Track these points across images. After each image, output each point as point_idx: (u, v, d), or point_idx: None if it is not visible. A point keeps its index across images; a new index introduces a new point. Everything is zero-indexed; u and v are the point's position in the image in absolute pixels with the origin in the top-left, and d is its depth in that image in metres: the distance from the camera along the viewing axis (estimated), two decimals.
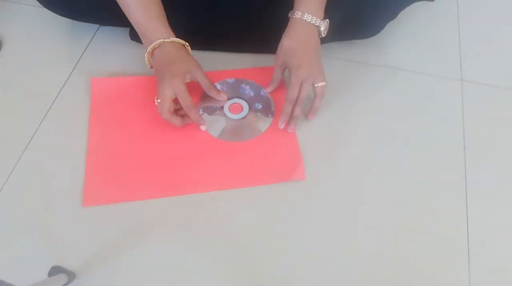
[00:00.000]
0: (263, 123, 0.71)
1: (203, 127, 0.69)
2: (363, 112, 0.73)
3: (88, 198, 0.63)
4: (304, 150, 0.68)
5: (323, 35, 0.66)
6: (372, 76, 0.78)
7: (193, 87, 0.74)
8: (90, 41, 0.82)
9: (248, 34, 0.78)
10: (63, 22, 0.82)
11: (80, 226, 0.62)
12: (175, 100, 0.65)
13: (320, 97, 0.69)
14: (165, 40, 0.65)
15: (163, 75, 0.64)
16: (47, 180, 0.65)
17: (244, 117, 0.71)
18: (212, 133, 0.70)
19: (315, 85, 0.67)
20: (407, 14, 0.81)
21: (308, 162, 0.67)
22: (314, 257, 0.60)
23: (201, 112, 0.72)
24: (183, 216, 0.63)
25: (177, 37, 0.66)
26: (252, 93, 0.74)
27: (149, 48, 0.65)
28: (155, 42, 0.65)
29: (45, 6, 0.76)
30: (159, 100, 0.65)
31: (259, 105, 0.73)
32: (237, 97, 0.73)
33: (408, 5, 0.77)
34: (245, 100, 0.73)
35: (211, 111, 0.72)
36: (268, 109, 0.72)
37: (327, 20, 0.66)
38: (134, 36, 0.79)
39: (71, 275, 0.56)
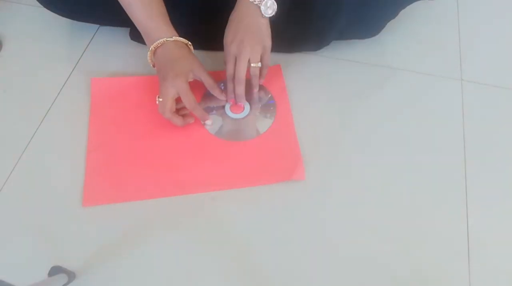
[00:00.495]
0: (264, 123, 0.71)
1: (208, 122, 0.69)
2: (363, 112, 0.73)
3: (88, 198, 0.63)
4: (304, 150, 0.68)
5: (266, 15, 0.64)
6: (372, 76, 0.78)
7: (194, 87, 0.74)
8: (90, 41, 0.82)
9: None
10: (63, 22, 0.82)
11: (80, 226, 0.62)
12: (177, 100, 0.65)
13: (254, 78, 0.68)
14: (168, 39, 0.65)
15: (166, 74, 0.64)
16: (47, 180, 0.65)
17: (245, 117, 0.71)
18: (213, 133, 0.70)
19: (251, 64, 0.66)
20: (407, 14, 0.81)
21: (308, 162, 0.67)
22: (314, 257, 0.60)
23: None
24: (183, 216, 0.63)
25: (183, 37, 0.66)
26: (253, 93, 0.74)
27: (152, 47, 0.65)
28: (158, 41, 0.65)
29: (45, 6, 0.76)
30: (160, 99, 0.65)
31: (260, 105, 0.73)
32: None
33: (408, 4, 0.77)
34: (247, 100, 0.73)
35: (212, 111, 0.72)
36: (268, 110, 0.72)
37: (273, 1, 0.63)
38: (134, 36, 0.79)
39: (71, 275, 0.56)
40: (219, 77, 0.75)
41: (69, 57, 0.79)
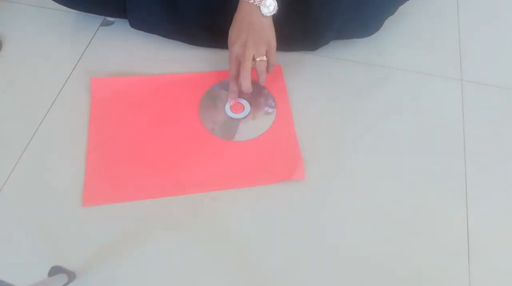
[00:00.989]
0: (264, 124, 0.71)
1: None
2: (363, 112, 0.73)
3: (88, 198, 0.63)
4: (304, 150, 0.68)
5: (267, 15, 0.65)
6: (372, 76, 0.78)
7: (195, 85, 0.75)
8: (90, 41, 0.82)
9: None
10: (64, 22, 0.82)
11: (80, 226, 0.62)
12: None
13: (261, 73, 0.68)
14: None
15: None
16: (47, 180, 0.65)
17: (245, 117, 0.71)
18: (213, 133, 0.70)
19: (256, 59, 0.66)
20: (407, 14, 0.81)
21: (308, 162, 0.67)
22: (314, 257, 0.60)
23: (202, 111, 0.72)
24: (183, 216, 0.63)
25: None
26: (253, 93, 0.73)
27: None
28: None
29: None
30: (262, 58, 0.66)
31: (260, 105, 0.73)
32: (238, 97, 0.73)
33: (406, 0, 0.76)
34: (247, 100, 0.73)
35: (212, 110, 0.72)
36: (269, 109, 0.72)
37: (273, 0, 0.64)
38: (134, 23, 0.78)
39: (71, 275, 0.56)
40: (220, 77, 0.75)
41: (69, 57, 0.79)
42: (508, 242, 0.61)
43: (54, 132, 0.70)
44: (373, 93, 0.76)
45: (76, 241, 0.60)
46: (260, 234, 0.61)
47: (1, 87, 0.76)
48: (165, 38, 0.80)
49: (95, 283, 0.58)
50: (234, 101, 0.72)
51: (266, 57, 0.67)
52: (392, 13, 0.77)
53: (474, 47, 0.83)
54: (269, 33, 0.66)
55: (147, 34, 0.80)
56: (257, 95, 0.74)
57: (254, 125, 0.71)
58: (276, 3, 0.64)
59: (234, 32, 0.66)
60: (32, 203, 0.64)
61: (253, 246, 0.60)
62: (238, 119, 0.71)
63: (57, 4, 0.79)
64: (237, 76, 0.68)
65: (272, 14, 0.65)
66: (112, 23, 0.84)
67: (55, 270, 0.55)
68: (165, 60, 0.79)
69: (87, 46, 0.81)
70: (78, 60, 0.79)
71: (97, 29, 0.83)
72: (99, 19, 0.84)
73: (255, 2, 0.64)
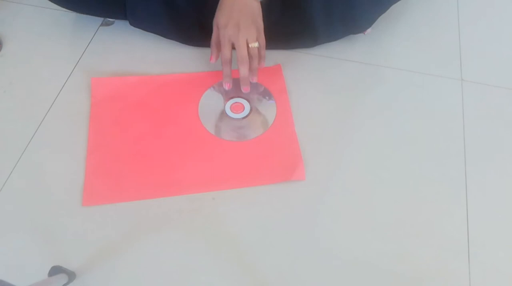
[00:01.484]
0: (264, 124, 0.71)
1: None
2: (363, 112, 0.73)
3: (88, 198, 0.63)
4: (304, 150, 0.68)
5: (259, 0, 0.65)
6: (372, 76, 0.78)
7: (195, 85, 0.75)
8: (90, 41, 0.82)
9: None
10: (64, 22, 0.82)
11: (81, 226, 0.62)
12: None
13: (254, 59, 0.68)
14: None
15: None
16: (47, 180, 0.65)
17: (245, 117, 0.71)
18: (213, 133, 0.70)
19: (249, 45, 0.66)
20: (407, 14, 0.82)
21: (308, 162, 0.67)
22: (314, 257, 0.60)
23: (202, 111, 0.72)
24: (183, 216, 0.63)
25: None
26: (253, 93, 0.74)
27: None
28: None
29: None
30: (256, 44, 0.65)
31: (260, 105, 0.73)
32: (238, 97, 0.73)
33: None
34: (247, 100, 0.73)
35: (212, 110, 0.72)
36: (268, 110, 0.72)
37: None
38: (134, 22, 0.78)
39: (71, 275, 0.56)
40: (218, 77, 0.75)
41: (70, 57, 0.80)
42: (508, 242, 0.61)
43: (54, 132, 0.70)
44: (373, 93, 0.76)
45: (76, 241, 0.60)
46: (260, 234, 0.61)
47: (1, 87, 0.76)
48: (165, 39, 0.80)
49: (95, 283, 0.58)
50: (229, 85, 0.71)
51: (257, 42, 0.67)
52: (384, 11, 0.76)
53: (474, 47, 0.83)
54: (258, 16, 0.66)
55: (147, 34, 0.80)
56: (257, 95, 0.74)
57: (254, 126, 0.71)
58: None
59: (224, 15, 0.65)
60: (32, 203, 0.64)
61: (253, 245, 0.60)
62: (238, 119, 0.71)
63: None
64: (229, 60, 0.67)
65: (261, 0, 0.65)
66: (112, 23, 0.84)
67: (55, 270, 0.55)
68: (165, 60, 0.79)
69: (87, 46, 0.81)
70: (78, 60, 0.79)
71: (97, 29, 0.83)
72: (99, 19, 0.84)
73: None
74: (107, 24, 0.84)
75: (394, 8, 0.79)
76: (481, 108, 0.74)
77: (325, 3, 0.72)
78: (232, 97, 0.73)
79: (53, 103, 0.74)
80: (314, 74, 0.78)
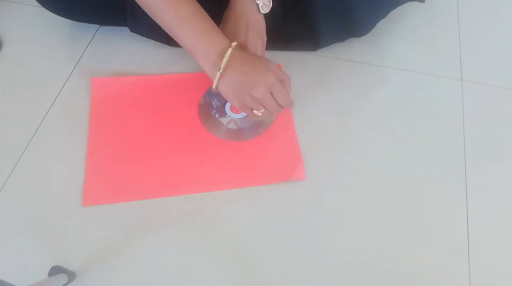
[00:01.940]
0: (264, 124, 0.71)
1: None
2: (363, 113, 0.73)
3: (88, 198, 0.63)
4: (304, 150, 0.68)
5: (263, 12, 0.65)
6: (372, 76, 0.78)
7: (195, 85, 0.74)
8: (90, 41, 0.82)
9: None
10: (64, 22, 0.82)
11: (81, 226, 0.62)
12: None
13: None
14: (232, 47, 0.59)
15: (248, 82, 0.58)
16: (47, 180, 0.65)
17: (245, 117, 0.71)
18: (213, 133, 0.70)
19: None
20: (407, 14, 0.82)
21: (308, 162, 0.67)
22: (314, 257, 0.60)
23: (202, 111, 0.72)
24: (183, 216, 0.63)
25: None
26: None
27: (223, 65, 0.57)
28: (227, 53, 0.57)
29: (44, 6, 0.76)
30: (259, 111, 0.61)
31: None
32: None
33: (399, 5, 0.77)
34: None
35: (213, 110, 0.72)
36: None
37: None
38: (134, 27, 0.78)
39: (71, 275, 0.56)
40: None
41: (69, 57, 0.80)
42: (508, 242, 0.61)
43: (54, 132, 0.70)
44: (373, 93, 0.76)
45: (76, 241, 0.60)
46: (260, 234, 0.61)
47: (1, 87, 0.76)
48: None
49: (95, 283, 0.58)
50: None
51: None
52: (383, 17, 0.77)
53: (474, 47, 0.83)
54: (262, 30, 0.67)
55: None
56: None
57: (254, 125, 0.71)
58: (271, 1, 0.64)
59: (230, 30, 0.65)
60: (32, 203, 0.64)
61: (253, 245, 0.60)
62: (238, 119, 0.71)
63: None
64: None
65: (267, 12, 0.65)
66: None
67: (55, 270, 0.55)
68: (165, 60, 0.79)
69: (87, 46, 0.81)
70: (78, 60, 0.79)
71: (97, 29, 0.83)
72: None
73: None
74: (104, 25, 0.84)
75: (394, 9, 0.79)
76: (481, 108, 0.74)
77: (326, 9, 0.72)
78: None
79: (53, 103, 0.74)
80: (314, 74, 0.78)
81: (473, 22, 0.87)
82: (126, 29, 0.81)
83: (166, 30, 0.60)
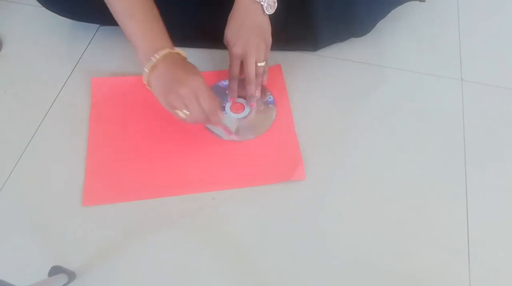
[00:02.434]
0: (264, 123, 0.71)
1: (231, 137, 0.68)
2: (363, 113, 0.73)
3: (88, 198, 0.63)
4: (304, 150, 0.68)
5: (268, 13, 0.64)
6: (372, 76, 0.78)
7: None
8: (90, 41, 0.82)
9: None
10: (64, 22, 0.82)
11: (81, 226, 0.62)
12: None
13: (259, 77, 0.68)
14: (170, 50, 0.60)
15: (176, 78, 0.58)
16: (47, 180, 0.65)
17: (245, 116, 0.71)
18: (213, 133, 0.70)
19: (257, 64, 0.65)
20: (407, 14, 0.82)
21: (308, 162, 0.67)
22: (314, 257, 0.60)
23: None
24: (183, 216, 0.63)
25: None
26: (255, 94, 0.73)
27: (154, 58, 0.59)
28: (162, 52, 0.59)
29: (45, 6, 0.76)
30: (181, 113, 0.59)
31: (261, 105, 0.73)
32: (238, 97, 0.73)
33: (400, 4, 0.77)
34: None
35: None
36: (268, 109, 0.72)
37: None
38: None
39: (71, 275, 0.56)
40: (219, 77, 0.75)
41: (70, 57, 0.80)
42: (508, 242, 0.61)
43: (54, 132, 0.70)
44: (373, 93, 0.76)
45: (76, 241, 0.60)
46: (260, 234, 0.61)
47: (1, 87, 0.76)
48: None
49: (95, 283, 0.58)
50: (233, 100, 0.72)
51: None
52: (383, 17, 0.77)
53: (474, 47, 0.83)
54: (267, 32, 0.66)
55: None
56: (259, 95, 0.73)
57: (254, 125, 0.71)
58: (276, 2, 0.64)
59: (233, 33, 0.65)
60: (32, 203, 0.64)
61: (253, 245, 0.60)
62: (238, 119, 0.71)
63: None
64: (236, 76, 0.68)
65: (271, 13, 0.64)
66: None
67: (55, 270, 0.55)
68: None
69: (87, 46, 0.81)
70: (78, 60, 0.79)
71: (97, 29, 0.83)
72: None
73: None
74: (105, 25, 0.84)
75: (394, 9, 0.79)
76: (481, 108, 0.74)
77: (327, 9, 0.72)
78: (233, 97, 0.73)
79: (53, 103, 0.74)
80: (314, 74, 0.78)
81: (473, 22, 0.87)
82: None
83: (116, 19, 0.62)
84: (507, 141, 0.71)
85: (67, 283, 0.55)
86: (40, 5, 0.75)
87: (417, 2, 0.79)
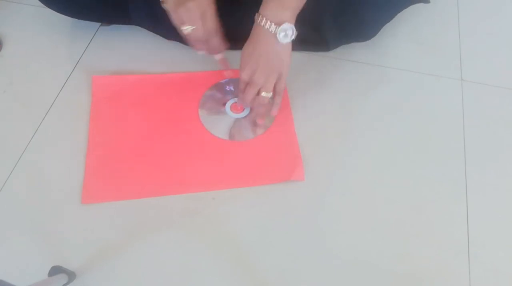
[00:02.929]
0: (264, 124, 0.71)
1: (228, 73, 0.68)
2: (363, 113, 0.73)
3: (87, 195, 0.63)
4: (304, 150, 0.68)
5: (283, 42, 0.59)
6: (372, 76, 0.78)
7: (196, 84, 0.74)
8: (91, 40, 0.82)
9: (245, 30, 0.77)
10: (64, 21, 0.82)
11: (81, 225, 0.62)
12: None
13: (260, 107, 0.66)
14: None
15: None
16: (47, 180, 0.65)
17: (245, 116, 0.71)
18: (213, 132, 0.70)
19: (261, 94, 0.63)
20: (407, 14, 0.81)
21: (308, 162, 0.67)
22: (314, 257, 0.60)
23: (202, 111, 0.72)
24: (183, 215, 0.63)
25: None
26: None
27: None
28: None
29: (46, 5, 0.76)
30: (188, 27, 0.61)
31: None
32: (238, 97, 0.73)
33: (405, 7, 0.77)
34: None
35: (213, 110, 0.72)
36: (269, 109, 0.72)
37: (290, 26, 0.58)
38: (136, 20, 0.78)
39: (71, 275, 0.56)
40: (218, 77, 0.75)
41: (70, 57, 0.80)
42: (508, 242, 0.61)
43: (54, 132, 0.70)
44: (373, 93, 0.76)
45: (76, 241, 0.60)
46: (260, 234, 0.61)
47: (1, 87, 0.76)
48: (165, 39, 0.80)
49: (95, 283, 0.58)
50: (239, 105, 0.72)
51: (274, 87, 0.63)
52: (389, 20, 0.77)
53: (474, 47, 0.83)
54: (283, 62, 0.61)
55: (147, 33, 0.80)
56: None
57: (254, 125, 0.71)
58: (294, 28, 0.58)
59: (244, 58, 0.62)
60: (32, 202, 0.64)
61: (253, 245, 0.60)
62: (238, 119, 0.71)
63: None
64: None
65: (288, 42, 0.59)
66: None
67: (55, 270, 0.55)
68: (165, 59, 0.79)
69: (87, 46, 0.81)
70: (78, 60, 0.79)
71: (97, 29, 0.83)
72: None
73: (270, 28, 0.57)
74: (107, 24, 0.84)
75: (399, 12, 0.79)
76: (481, 108, 0.74)
77: (335, 15, 0.72)
78: (232, 97, 0.73)
79: (53, 103, 0.74)
80: (314, 74, 0.78)
81: (473, 22, 0.87)
82: (126, 28, 0.81)
83: None
84: (507, 141, 0.71)
85: (67, 283, 0.55)
86: (40, 5, 0.75)
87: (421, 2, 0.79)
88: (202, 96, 0.73)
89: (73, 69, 0.78)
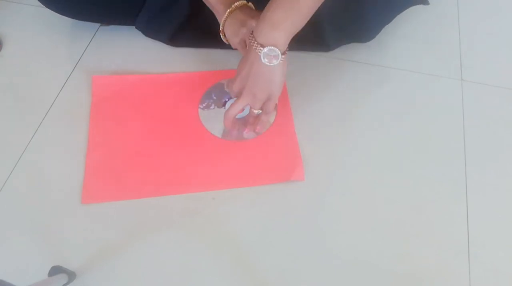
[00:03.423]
0: (264, 124, 0.71)
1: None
2: (363, 112, 0.73)
3: (87, 195, 0.63)
4: (304, 150, 0.68)
5: (271, 64, 0.56)
6: (372, 76, 0.78)
7: (195, 84, 0.74)
8: (91, 40, 0.82)
9: None
10: (64, 21, 0.82)
11: (81, 226, 0.62)
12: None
13: (248, 124, 0.68)
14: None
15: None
16: (47, 180, 0.65)
17: (245, 116, 0.71)
18: (213, 132, 0.70)
19: (253, 110, 0.64)
20: (407, 15, 0.81)
21: (308, 162, 0.67)
22: (314, 257, 0.60)
23: (202, 111, 0.72)
24: (183, 215, 0.63)
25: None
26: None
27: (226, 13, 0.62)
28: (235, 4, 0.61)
29: (46, 6, 0.76)
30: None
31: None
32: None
33: (405, 9, 0.77)
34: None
35: (212, 109, 0.72)
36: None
37: (274, 50, 0.55)
38: (139, 26, 0.79)
39: (71, 275, 0.56)
40: (218, 77, 0.75)
41: (70, 57, 0.80)
42: (508, 242, 0.61)
43: (54, 132, 0.70)
44: (373, 93, 0.76)
45: (76, 241, 0.60)
46: (260, 234, 0.61)
47: (1, 87, 0.76)
48: None
49: (95, 283, 0.58)
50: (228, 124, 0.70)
51: (262, 106, 0.63)
52: (388, 22, 0.77)
53: (474, 47, 0.83)
54: (272, 84, 0.59)
55: None
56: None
57: (254, 126, 0.71)
58: (279, 52, 0.56)
59: (237, 72, 0.61)
60: (32, 202, 0.64)
61: (253, 245, 0.60)
62: (238, 119, 0.71)
63: None
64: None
65: (275, 64, 0.57)
66: None
67: (55, 270, 0.55)
68: (165, 59, 0.79)
69: (87, 46, 0.81)
70: (78, 60, 0.79)
71: (97, 29, 0.83)
72: None
73: (256, 49, 0.55)
74: (107, 24, 0.84)
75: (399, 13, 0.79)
76: (481, 108, 0.74)
77: (336, 17, 0.72)
78: (232, 97, 0.73)
79: (53, 103, 0.74)
80: (314, 74, 0.78)
81: (473, 22, 0.87)
82: (126, 28, 0.81)
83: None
84: (507, 141, 0.71)
85: (67, 283, 0.55)
86: (40, 5, 0.75)
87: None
88: (202, 96, 0.73)
89: (73, 69, 0.78)
